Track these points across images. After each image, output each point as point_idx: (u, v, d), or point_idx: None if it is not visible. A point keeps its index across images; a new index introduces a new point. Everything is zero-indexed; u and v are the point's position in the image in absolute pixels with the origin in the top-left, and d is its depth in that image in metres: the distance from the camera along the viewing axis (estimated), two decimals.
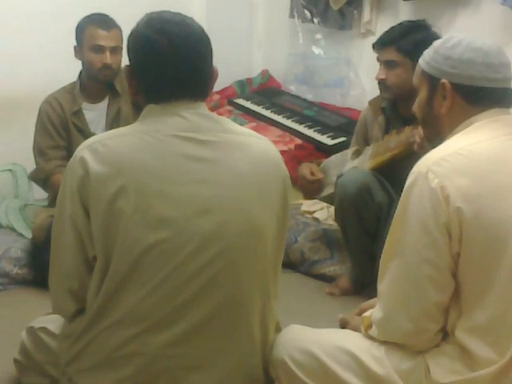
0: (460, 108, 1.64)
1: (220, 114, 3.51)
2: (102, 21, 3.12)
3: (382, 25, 3.84)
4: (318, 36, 4.44)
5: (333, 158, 3.16)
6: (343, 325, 1.90)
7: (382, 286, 1.63)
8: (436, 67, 1.65)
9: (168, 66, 1.64)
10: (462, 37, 1.65)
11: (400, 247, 1.58)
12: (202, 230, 1.60)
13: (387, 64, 2.84)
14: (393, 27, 2.92)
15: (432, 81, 1.66)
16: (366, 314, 1.72)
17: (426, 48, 1.72)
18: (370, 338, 1.66)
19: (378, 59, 2.90)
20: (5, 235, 3.37)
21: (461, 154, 1.55)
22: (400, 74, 2.81)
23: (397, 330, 1.60)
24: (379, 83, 2.89)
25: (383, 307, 1.62)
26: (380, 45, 2.88)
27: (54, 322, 1.84)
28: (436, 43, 1.68)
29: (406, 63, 2.78)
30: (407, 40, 2.80)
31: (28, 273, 3.16)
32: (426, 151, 1.69)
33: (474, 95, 1.63)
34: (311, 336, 1.74)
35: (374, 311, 1.65)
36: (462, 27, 3.54)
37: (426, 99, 1.69)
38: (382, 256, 1.64)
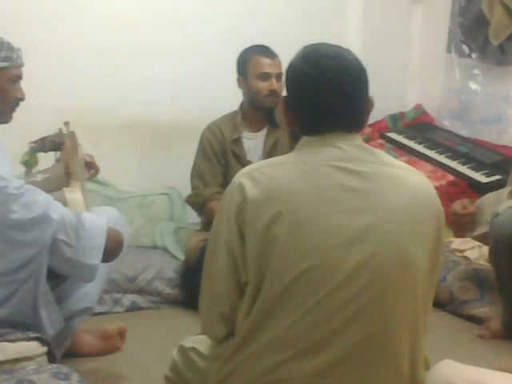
0: None
1: None
2: (264, 50, 3.27)
3: None
4: (476, 71, 4.35)
5: (488, 196, 3.07)
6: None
7: None
8: None
9: (322, 100, 1.67)
10: None
11: None
12: (352, 260, 1.59)
13: None
14: None
15: None
16: None
17: None
18: None
19: None
20: (159, 256, 3.52)
21: None
22: None
23: None
24: None
25: None
26: None
27: (203, 343, 1.87)
28: None
29: None
30: None
31: (179, 293, 3.29)
32: None
33: None
34: (463, 374, 1.68)
35: None
36: None
37: None
38: None
